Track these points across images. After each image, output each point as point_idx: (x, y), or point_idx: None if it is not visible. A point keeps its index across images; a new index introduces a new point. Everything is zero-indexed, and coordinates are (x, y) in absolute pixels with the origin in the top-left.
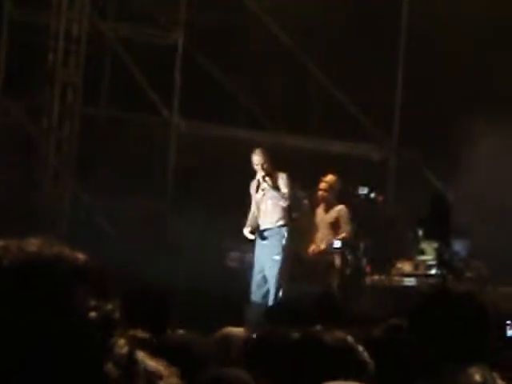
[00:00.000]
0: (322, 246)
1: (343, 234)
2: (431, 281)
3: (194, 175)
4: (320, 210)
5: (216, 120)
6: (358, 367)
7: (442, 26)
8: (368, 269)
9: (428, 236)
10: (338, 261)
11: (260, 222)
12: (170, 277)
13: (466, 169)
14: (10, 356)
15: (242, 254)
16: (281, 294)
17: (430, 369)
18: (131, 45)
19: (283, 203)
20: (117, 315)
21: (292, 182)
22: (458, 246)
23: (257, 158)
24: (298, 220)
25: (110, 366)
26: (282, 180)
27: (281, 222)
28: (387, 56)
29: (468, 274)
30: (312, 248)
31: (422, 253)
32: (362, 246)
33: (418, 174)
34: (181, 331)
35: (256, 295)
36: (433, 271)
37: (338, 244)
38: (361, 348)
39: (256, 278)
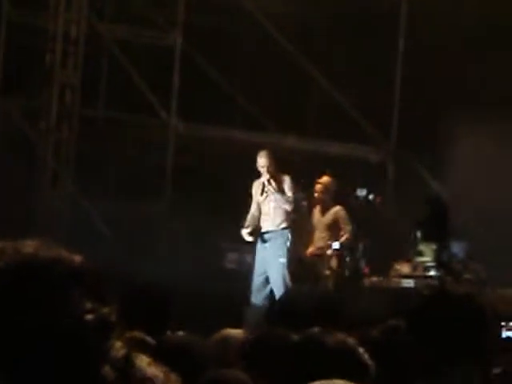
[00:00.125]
0: (320, 248)
1: (346, 235)
2: (429, 282)
3: (192, 176)
4: (316, 212)
5: (214, 121)
6: (358, 369)
7: (441, 30)
8: (366, 270)
9: (426, 238)
10: (335, 262)
11: (262, 225)
12: (169, 278)
13: (463, 171)
14: (6, 358)
15: (241, 255)
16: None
17: (429, 370)
18: (129, 46)
19: (287, 207)
20: (113, 318)
21: (295, 184)
22: (457, 248)
23: (262, 160)
24: (296, 221)
25: (106, 369)
26: (287, 183)
27: (283, 225)
28: (386, 58)
29: (466, 276)
30: (310, 249)
31: (421, 254)
32: (360, 247)
33: (416, 175)
34: (180, 333)
35: (257, 297)
36: (431, 273)
37: (336, 245)
38: (361, 350)
39: (257, 280)
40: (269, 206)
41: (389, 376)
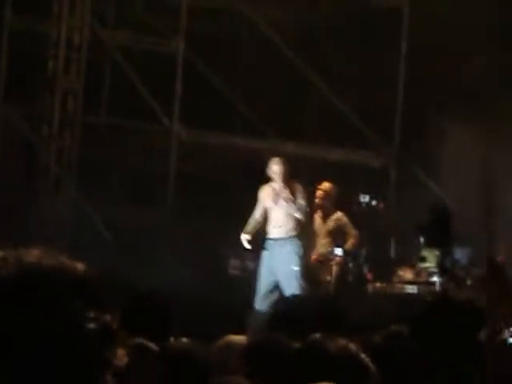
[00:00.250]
0: (323, 254)
1: (352, 240)
2: (432, 288)
3: (195, 183)
4: (317, 218)
5: (216, 128)
6: (361, 374)
7: (444, 33)
8: (369, 276)
9: (429, 243)
10: (338, 268)
11: (270, 231)
12: (171, 285)
13: (466, 175)
14: (8, 366)
15: (243, 261)
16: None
17: (431, 375)
18: (132, 53)
19: (299, 215)
20: (115, 326)
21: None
22: (460, 254)
23: (276, 168)
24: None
25: (108, 377)
26: (299, 191)
27: (293, 233)
28: (387, 61)
29: (469, 282)
30: (312, 256)
31: (424, 260)
32: (363, 253)
33: (419, 181)
34: (183, 339)
35: (262, 304)
36: (434, 279)
37: (339, 251)
38: (363, 355)
39: (263, 288)
40: (280, 213)
41: (391, 382)
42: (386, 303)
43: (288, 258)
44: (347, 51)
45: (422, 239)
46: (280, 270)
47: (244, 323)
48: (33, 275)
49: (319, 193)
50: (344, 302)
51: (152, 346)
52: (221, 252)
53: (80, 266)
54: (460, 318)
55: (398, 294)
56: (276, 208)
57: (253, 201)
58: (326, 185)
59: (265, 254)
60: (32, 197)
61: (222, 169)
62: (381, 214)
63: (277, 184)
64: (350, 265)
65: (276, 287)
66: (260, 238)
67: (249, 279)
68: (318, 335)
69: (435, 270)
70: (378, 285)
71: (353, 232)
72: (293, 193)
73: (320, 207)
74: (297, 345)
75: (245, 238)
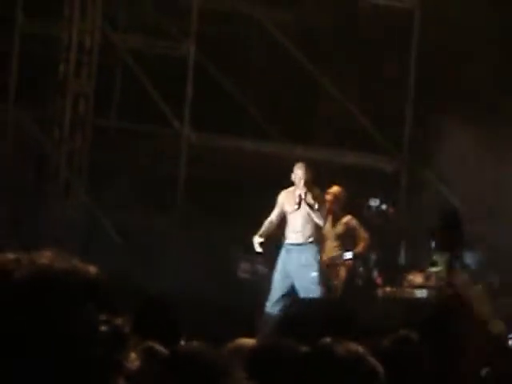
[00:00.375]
0: (332, 258)
1: (362, 244)
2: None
3: (205, 186)
4: (326, 222)
5: (226, 131)
6: (369, 377)
7: (455, 38)
8: (379, 280)
9: (439, 248)
10: (348, 272)
11: (288, 236)
12: (181, 288)
13: (477, 179)
14: (20, 369)
15: (253, 265)
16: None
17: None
18: (142, 56)
19: (320, 222)
20: (127, 329)
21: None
22: (470, 258)
23: (301, 173)
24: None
25: (120, 381)
26: (320, 198)
27: (312, 238)
28: (399, 67)
29: (479, 286)
30: (322, 259)
31: (434, 264)
32: (373, 257)
33: (429, 185)
34: (194, 342)
35: (273, 308)
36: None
37: (349, 255)
38: (371, 358)
39: (277, 291)
40: (299, 218)
41: None
42: (395, 307)
43: (307, 264)
44: (356, 54)
45: (432, 243)
46: (298, 275)
47: (254, 326)
48: (46, 278)
49: (328, 197)
50: (352, 305)
51: (161, 349)
52: (231, 255)
53: (92, 269)
54: (468, 322)
55: (408, 298)
56: (296, 213)
57: (263, 204)
58: (335, 189)
59: (281, 259)
60: (42, 199)
61: (231, 172)
62: (391, 218)
63: (299, 189)
64: (360, 269)
65: (289, 292)
66: (272, 242)
67: (259, 282)
68: (326, 339)
69: (445, 274)
70: (387, 289)
71: (365, 235)
72: (316, 199)
73: (329, 211)
74: (304, 349)
75: (257, 240)
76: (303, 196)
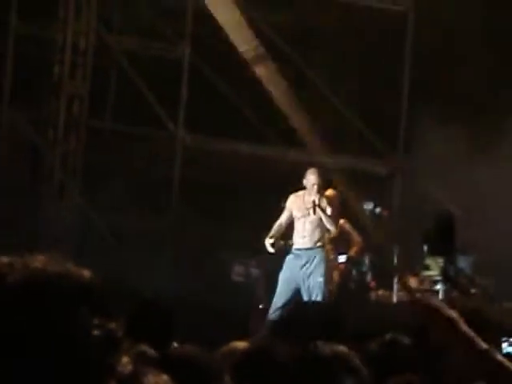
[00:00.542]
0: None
1: (356, 247)
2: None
3: (200, 189)
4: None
5: (221, 134)
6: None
7: (448, 40)
8: (373, 284)
9: (433, 252)
10: (341, 275)
11: (296, 241)
12: (175, 291)
13: (472, 185)
14: (12, 373)
15: (247, 268)
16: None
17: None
18: (137, 58)
19: (332, 228)
20: (120, 333)
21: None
22: (463, 263)
23: (314, 178)
24: None
25: None
26: (330, 204)
27: (320, 243)
28: (394, 69)
29: (473, 290)
30: None
31: (427, 268)
32: (366, 261)
33: (424, 189)
34: (187, 346)
35: (275, 313)
36: (438, 287)
37: (342, 259)
38: (355, 359)
39: (282, 296)
40: (308, 223)
41: None
42: (388, 311)
43: (315, 269)
44: (351, 56)
45: (425, 247)
46: (306, 279)
47: (248, 329)
48: (39, 281)
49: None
50: (345, 309)
51: (151, 352)
52: (225, 258)
53: (86, 273)
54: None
55: (401, 302)
56: (306, 219)
57: (257, 206)
58: (329, 192)
59: (288, 265)
60: (37, 201)
61: (226, 174)
62: (385, 222)
63: (313, 195)
64: (353, 272)
65: (294, 297)
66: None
67: (253, 285)
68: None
69: (439, 278)
70: (381, 293)
71: (356, 239)
72: (329, 205)
73: None
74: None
75: (269, 242)
76: (317, 202)
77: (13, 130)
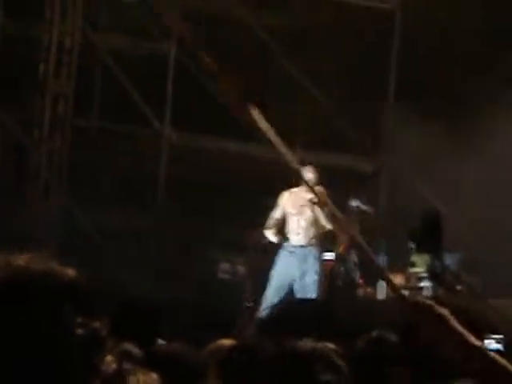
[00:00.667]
0: None
1: (344, 244)
2: (422, 293)
3: (186, 187)
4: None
5: (207, 132)
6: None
7: (434, 37)
8: (361, 281)
9: (419, 249)
10: (328, 273)
11: (291, 238)
12: (161, 289)
13: (457, 182)
14: None
15: (233, 265)
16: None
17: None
18: (123, 56)
19: (328, 225)
20: (104, 332)
21: None
22: (450, 260)
23: (311, 176)
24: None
25: (96, 383)
26: (327, 202)
27: (314, 241)
28: (379, 65)
29: (459, 288)
30: None
31: (414, 265)
32: (354, 258)
33: (410, 186)
34: (174, 343)
35: (266, 310)
36: (424, 284)
37: (329, 256)
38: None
39: (274, 293)
40: (303, 220)
41: None
42: (375, 308)
43: (310, 266)
44: (338, 54)
45: (412, 244)
46: (300, 277)
47: (235, 327)
48: (22, 280)
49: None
50: (333, 306)
51: (136, 351)
52: (211, 256)
53: (70, 272)
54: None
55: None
56: (301, 216)
57: (243, 205)
58: (317, 189)
59: (282, 262)
60: (22, 200)
61: (212, 172)
62: (371, 219)
63: (306, 191)
64: (341, 269)
65: (287, 294)
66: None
67: (239, 283)
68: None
69: (425, 275)
70: (369, 290)
71: (343, 237)
72: (325, 204)
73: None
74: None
75: (270, 232)
76: (315, 200)
77: None
